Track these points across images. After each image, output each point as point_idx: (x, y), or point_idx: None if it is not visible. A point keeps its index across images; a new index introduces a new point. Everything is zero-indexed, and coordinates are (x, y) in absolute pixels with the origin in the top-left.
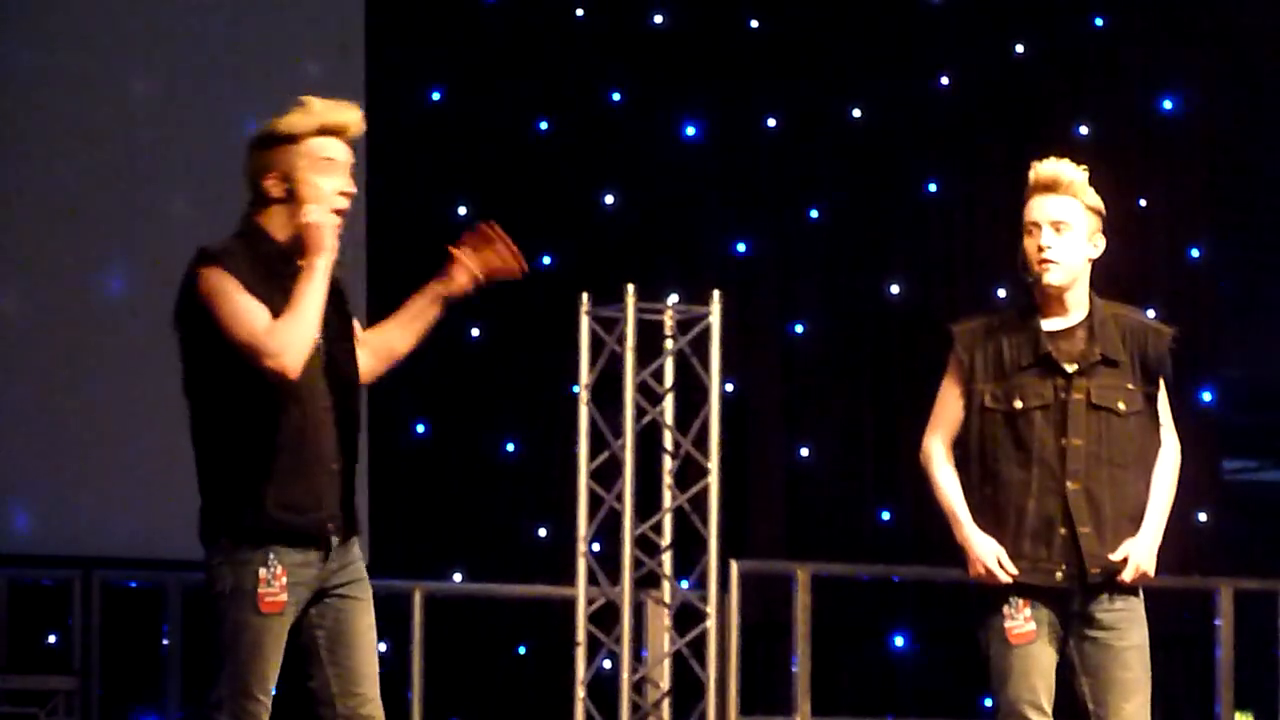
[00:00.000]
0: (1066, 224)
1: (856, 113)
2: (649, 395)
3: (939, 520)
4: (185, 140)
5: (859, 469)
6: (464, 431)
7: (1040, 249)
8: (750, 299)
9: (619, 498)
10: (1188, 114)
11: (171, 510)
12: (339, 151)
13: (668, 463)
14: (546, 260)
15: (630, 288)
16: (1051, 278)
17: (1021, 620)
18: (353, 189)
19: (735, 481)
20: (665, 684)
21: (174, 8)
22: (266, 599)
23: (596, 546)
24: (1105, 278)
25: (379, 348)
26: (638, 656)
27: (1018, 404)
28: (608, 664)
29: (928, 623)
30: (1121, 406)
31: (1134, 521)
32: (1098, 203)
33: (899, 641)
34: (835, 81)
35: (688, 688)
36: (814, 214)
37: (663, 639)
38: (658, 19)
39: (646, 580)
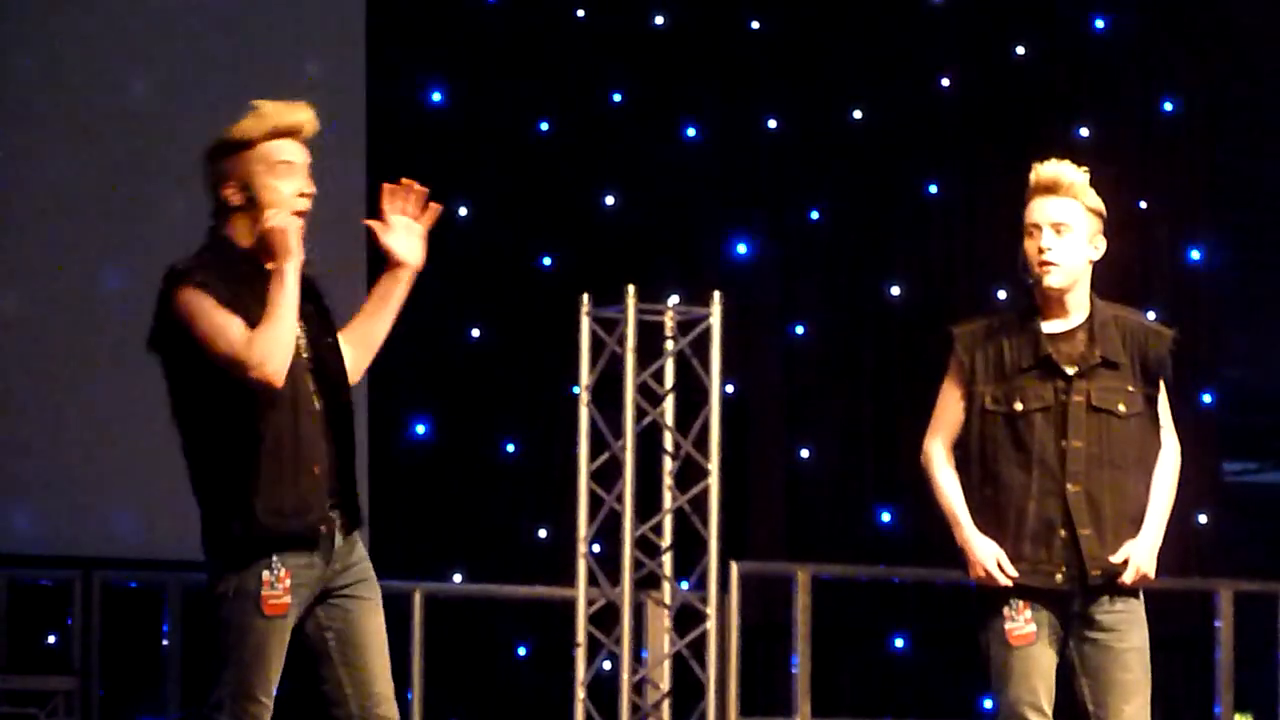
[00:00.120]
0: (1067, 226)
1: (857, 114)
2: (649, 396)
3: (939, 522)
4: (185, 140)
5: (859, 470)
6: (464, 432)
7: (1041, 251)
8: (751, 300)
9: (619, 499)
10: (1188, 115)
11: (172, 510)
12: (295, 153)
13: (668, 464)
14: (547, 261)
15: (631, 289)
16: (1052, 280)
17: (1022, 622)
18: (312, 189)
19: (735, 483)
20: (665, 685)
21: (174, 8)
22: (270, 601)
23: (597, 547)
24: (1105, 279)
25: (360, 339)
26: (638, 657)
27: (1018, 406)
28: (608, 665)
29: (928, 624)
30: (1122, 408)
31: (1134, 523)
32: (1099, 204)
33: (899, 643)
34: (836, 83)
35: (688, 689)
36: (814, 215)
37: (663, 640)
38: (658, 19)
39: (647, 581)
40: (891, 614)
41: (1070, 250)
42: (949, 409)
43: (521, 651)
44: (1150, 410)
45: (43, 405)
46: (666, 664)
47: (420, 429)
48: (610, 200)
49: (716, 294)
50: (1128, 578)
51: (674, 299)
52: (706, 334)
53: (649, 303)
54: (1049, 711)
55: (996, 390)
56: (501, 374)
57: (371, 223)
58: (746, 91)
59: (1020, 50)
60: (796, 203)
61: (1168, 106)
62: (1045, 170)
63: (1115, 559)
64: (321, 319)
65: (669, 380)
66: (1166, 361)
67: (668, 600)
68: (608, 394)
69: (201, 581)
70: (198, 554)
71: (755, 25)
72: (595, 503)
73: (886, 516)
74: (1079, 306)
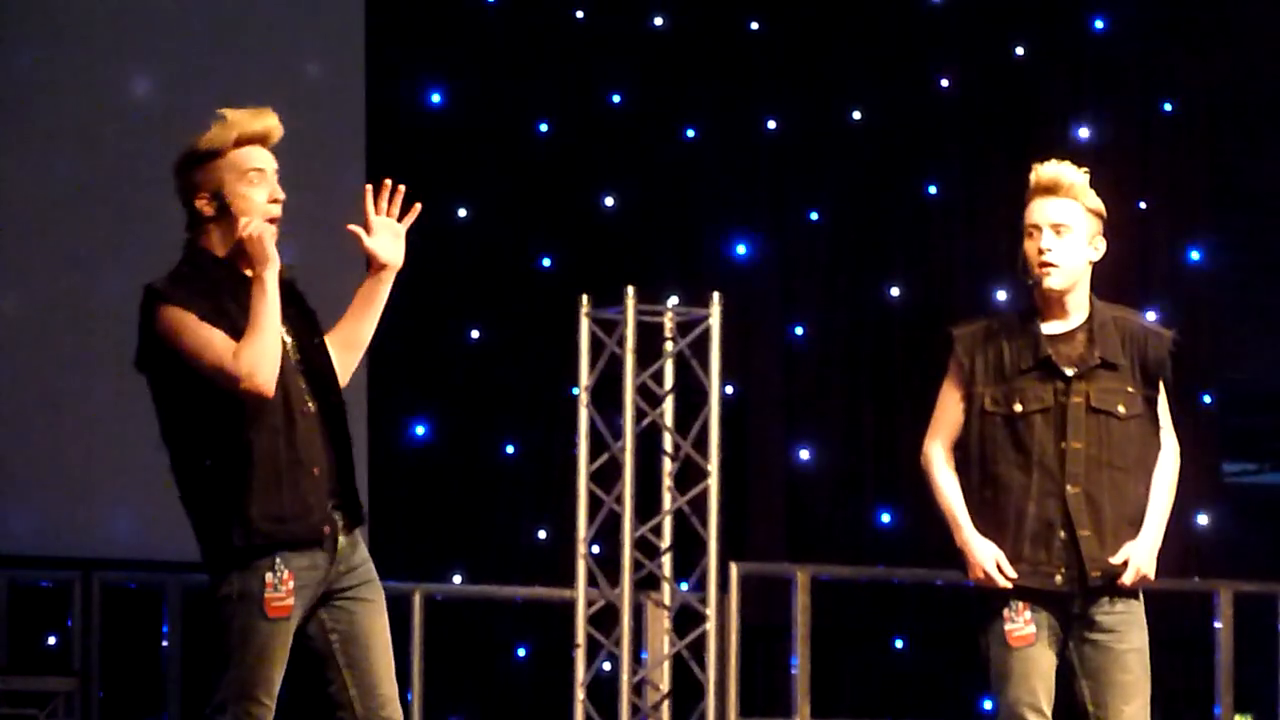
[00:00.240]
0: (1067, 227)
1: (857, 115)
2: (649, 397)
3: (939, 523)
4: (185, 140)
5: (859, 471)
6: (464, 433)
7: (1041, 252)
8: (750, 301)
9: (619, 500)
10: (1188, 115)
11: (171, 511)
12: (265, 160)
13: (667, 465)
14: (546, 262)
15: (630, 290)
16: (1052, 281)
17: (1021, 623)
18: (282, 195)
19: (735, 484)
20: (665, 686)
21: (174, 8)
22: (274, 604)
23: (596, 548)
24: (1105, 280)
25: (346, 342)
26: (637, 658)
27: (1018, 407)
28: (607, 666)
29: (927, 625)
30: (1121, 410)
31: (1134, 524)
32: (1099, 205)
33: (899, 644)
34: (835, 83)
35: (687, 690)
36: (814, 216)
37: (662, 641)
38: (658, 20)
39: (646, 582)
40: (891, 615)
41: (1070, 251)
42: (949, 410)
43: (521, 652)
44: (1150, 411)
45: (42, 406)
46: (666, 665)
47: (420, 430)
48: (610, 201)
49: (716, 295)
50: (1127, 579)
51: (673, 300)
52: (706, 335)
53: (648, 303)
54: (1049, 713)
55: (996, 391)
56: (501, 375)
57: (354, 228)
58: (746, 91)
59: (1020, 50)
60: (796, 203)
61: (1167, 107)
62: (1045, 171)
63: (1115, 560)
64: (305, 320)
65: (668, 381)
66: (1166, 363)
67: (667, 601)
68: (607, 395)
69: (202, 582)
70: (198, 555)
71: (755, 26)
72: (595, 504)
73: (886, 517)
74: (1079, 308)
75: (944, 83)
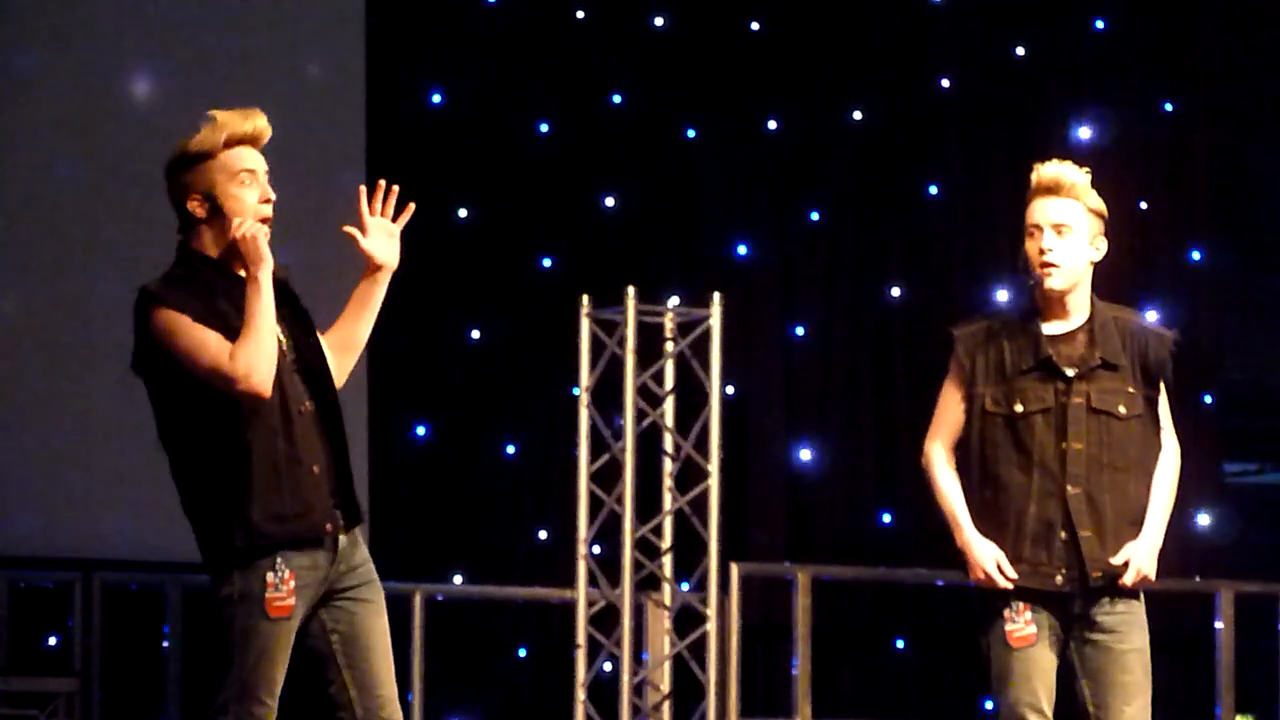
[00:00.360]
0: (1068, 227)
1: (857, 115)
2: (649, 398)
3: (940, 523)
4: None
5: (860, 472)
6: (464, 434)
7: (1042, 252)
8: (751, 301)
9: (619, 500)
10: (1188, 115)
11: (172, 512)
12: (255, 161)
13: (668, 465)
14: (547, 262)
15: (631, 290)
16: (1053, 281)
17: (1022, 624)
18: (273, 195)
19: (735, 484)
20: (665, 686)
21: (174, 8)
22: (275, 604)
23: (597, 549)
24: (1106, 280)
25: (342, 343)
26: (638, 659)
27: (1018, 408)
28: (608, 666)
29: (928, 626)
30: (1122, 410)
31: (1134, 525)
32: (1100, 205)
33: (899, 644)
34: (836, 84)
35: (688, 690)
36: (815, 216)
37: (663, 641)
38: (658, 21)
39: (647, 583)
40: (892, 615)
41: (1071, 251)
42: (949, 410)
43: (522, 653)
44: (1150, 412)
45: (43, 406)
46: (667, 665)
47: (420, 430)
48: (610, 201)
49: (716, 295)
50: (1128, 579)
51: (674, 300)
52: (706, 335)
53: (649, 304)
54: (1049, 713)
55: (997, 392)
56: (501, 375)
57: (350, 229)
58: (747, 92)
59: (1020, 50)
60: (796, 203)
61: (1168, 107)
62: (1046, 171)
63: (1116, 561)
64: (300, 320)
65: (669, 381)
66: (1167, 363)
67: (668, 601)
68: (608, 395)
69: (202, 583)
70: (198, 555)
71: (755, 26)
72: (595, 504)
73: (887, 518)
74: (1079, 308)
75: (944, 83)
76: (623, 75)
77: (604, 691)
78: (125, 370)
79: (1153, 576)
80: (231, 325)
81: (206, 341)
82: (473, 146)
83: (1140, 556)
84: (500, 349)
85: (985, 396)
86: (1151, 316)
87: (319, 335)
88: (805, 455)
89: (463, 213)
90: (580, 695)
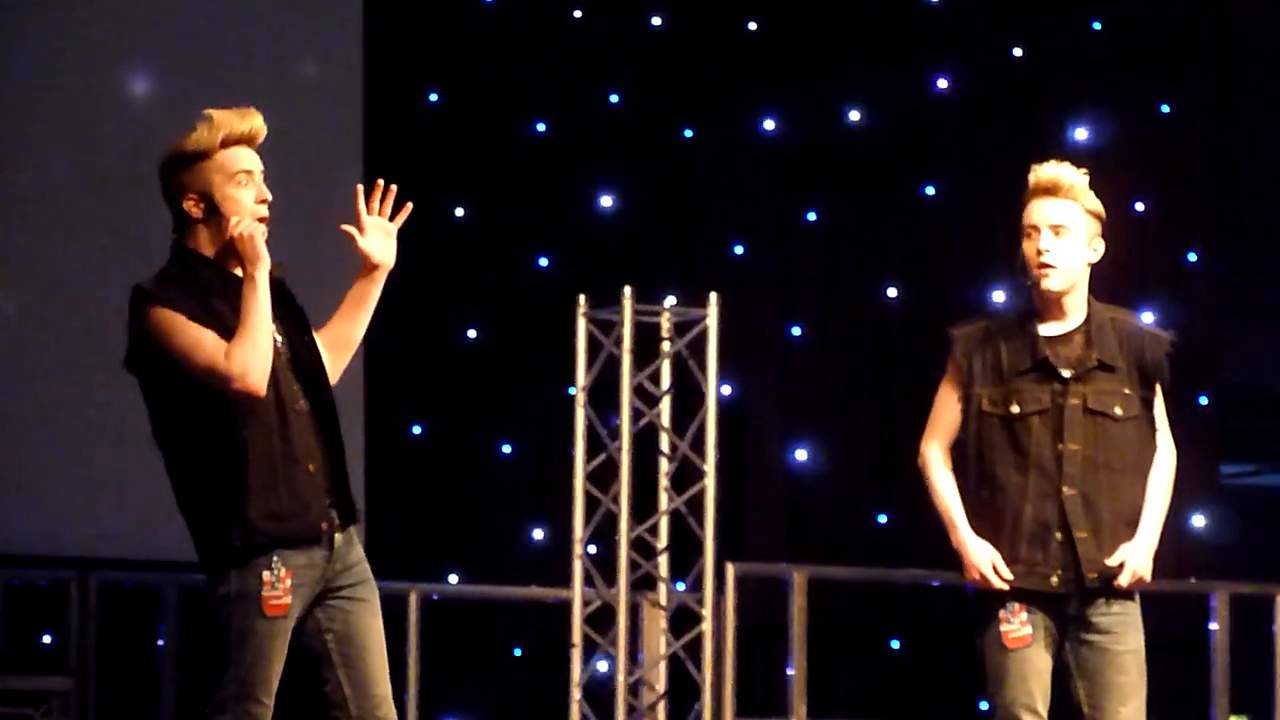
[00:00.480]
0: (1066, 228)
1: (855, 115)
2: (646, 397)
3: (936, 524)
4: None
5: (856, 472)
6: (460, 433)
7: (1039, 253)
8: (748, 301)
9: (615, 500)
10: (1188, 115)
11: (168, 511)
12: (251, 161)
13: (664, 465)
14: (544, 262)
15: (627, 290)
16: (1050, 282)
17: (1017, 624)
18: (269, 195)
19: (732, 484)
20: (661, 686)
21: (174, 9)
22: (271, 602)
23: (593, 549)
24: (1104, 280)
25: (337, 341)
26: (634, 659)
27: (1015, 408)
28: (603, 666)
29: (924, 626)
30: (1118, 411)
31: (1130, 526)
32: (1098, 206)
33: (895, 645)
34: (833, 84)
35: (684, 690)
36: (812, 216)
37: (659, 641)
38: (656, 20)
39: (643, 582)
40: (888, 616)
41: (1069, 252)
42: (946, 411)
43: (517, 652)
44: (1147, 413)
45: (40, 405)
46: (662, 665)
47: (416, 430)
48: (607, 201)
49: (713, 295)
50: (1124, 580)
51: (670, 300)
52: (703, 335)
53: (645, 304)
54: (1044, 714)
55: (994, 393)
56: (498, 375)
57: (347, 228)
58: (745, 92)
59: (1018, 51)
60: (794, 204)
61: (1167, 107)
62: (1044, 171)
63: (1111, 562)
64: (295, 319)
65: (665, 381)
66: (1163, 365)
67: (664, 601)
68: (604, 395)
69: (198, 582)
70: (194, 554)
71: (754, 26)
72: (591, 504)
73: (883, 518)
74: (1077, 309)
75: (943, 83)
76: (620, 75)
77: (599, 691)
78: (121, 370)
79: (1148, 578)
80: (227, 324)
81: (202, 340)
82: (470, 146)
83: (1136, 558)
84: (497, 348)
85: (982, 397)
86: (1148, 318)
87: (314, 334)
88: (801, 455)
89: (460, 212)
90: (576, 695)
